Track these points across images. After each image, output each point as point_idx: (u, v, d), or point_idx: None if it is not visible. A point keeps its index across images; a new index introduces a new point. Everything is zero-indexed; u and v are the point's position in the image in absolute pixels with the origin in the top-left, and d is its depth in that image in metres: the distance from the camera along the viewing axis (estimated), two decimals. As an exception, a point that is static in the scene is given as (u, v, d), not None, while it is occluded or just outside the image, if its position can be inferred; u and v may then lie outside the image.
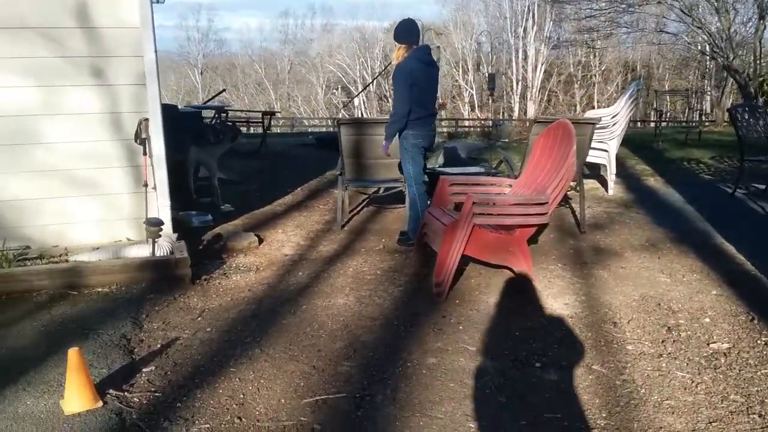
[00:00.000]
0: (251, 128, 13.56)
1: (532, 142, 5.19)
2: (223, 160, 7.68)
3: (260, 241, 5.35)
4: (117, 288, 4.25)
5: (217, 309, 3.99)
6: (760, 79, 17.35)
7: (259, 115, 12.54)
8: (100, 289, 4.21)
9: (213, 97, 17.73)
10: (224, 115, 11.13)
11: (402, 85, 4.96)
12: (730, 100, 26.85)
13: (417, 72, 4.95)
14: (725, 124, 16.86)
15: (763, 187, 7.19)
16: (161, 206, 4.81)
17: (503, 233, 4.30)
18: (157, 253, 4.47)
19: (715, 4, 17.65)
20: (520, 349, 3.46)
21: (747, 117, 7.17)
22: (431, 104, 5.21)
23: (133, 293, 4.19)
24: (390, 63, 6.84)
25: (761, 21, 17.02)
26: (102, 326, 3.66)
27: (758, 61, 17.20)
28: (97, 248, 4.56)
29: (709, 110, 28.54)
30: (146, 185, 4.73)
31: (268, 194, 7.15)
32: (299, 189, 7.54)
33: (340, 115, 37.86)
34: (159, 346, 3.45)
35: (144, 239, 4.58)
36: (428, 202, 5.06)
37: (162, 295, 4.16)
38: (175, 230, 4.92)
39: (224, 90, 26.69)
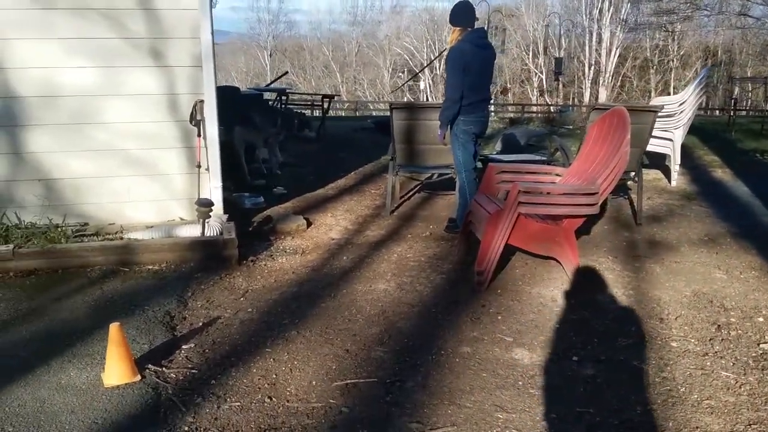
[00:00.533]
0: (314, 111, 13.72)
1: (587, 129, 5.03)
2: (281, 143, 7.82)
3: (309, 224, 5.42)
4: (166, 266, 4.40)
5: (260, 290, 4.08)
6: None
7: (319, 97, 12.65)
8: (150, 267, 4.37)
9: (276, 80, 18.00)
10: (285, 98, 11.28)
11: (454, 69, 4.89)
12: (819, 88, 25.25)
13: (469, 56, 4.86)
14: (810, 113, 15.85)
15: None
16: (213, 187, 4.93)
17: (550, 223, 4.20)
18: (207, 234, 4.60)
19: (804, -16, 16.57)
20: (558, 342, 3.39)
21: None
22: (485, 89, 5.11)
23: (181, 271, 4.33)
24: (446, 48, 6.66)
25: None
26: (148, 303, 3.80)
27: None
28: (151, 227, 4.72)
29: (794, 98, 26.97)
30: (199, 166, 4.86)
31: (322, 178, 7.23)
32: (353, 173, 7.58)
33: (405, 99, 37.76)
34: (200, 324, 3.56)
35: (195, 219, 4.71)
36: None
37: (208, 274, 4.28)
38: (226, 211, 5.04)
39: (287, 72, 27.03)
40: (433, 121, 5.69)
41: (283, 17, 53.92)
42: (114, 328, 2.86)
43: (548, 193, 4.17)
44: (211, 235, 4.61)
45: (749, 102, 32.27)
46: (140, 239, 4.53)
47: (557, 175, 4.66)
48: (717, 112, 27.36)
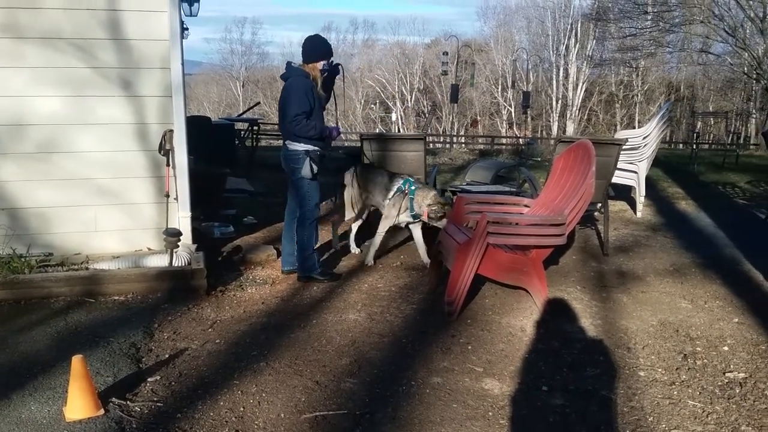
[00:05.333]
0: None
1: (553, 161, 5.12)
2: (250, 172, 7.80)
3: (279, 254, 5.38)
4: (133, 297, 4.32)
5: (228, 321, 4.03)
6: (807, 102, 16.86)
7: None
8: (116, 298, 4.29)
9: (247, 110, 18.03)
10: (256, 128, 11.29)
11: None
12: (778, 123, 26.15)
13: None
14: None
15: (799, 213, 6.96)
16: (182, 217, 4.88)
17: (518, 253, 4.24)
18: (175, 264, 4.54)
19: (760, 25, 17.27)
20: (528, 372, 3.40)
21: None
22: (280, 123, 4.72)
23: (147, 302, 4.26)
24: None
25: (808, 43, 16.58)
26: (113, 334, 3.72)
27: (804, 84, 16.74)
28: (117, 257, 4.65)
29: (753, 133, 27.88)
30: (168, 196, 4.82)
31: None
32: (324, 203, 7.56)
33: (377, 130, 38.09)
34: (167, 356, 3.49)
35: (163, 249, 4.66)
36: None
37: (176, 305, 4.22)
38: (195, 241, 4.99)
39: (259, 103, 27.06)
40: (403, 152, 5.76)
41: (255, 49, 54.33)
42: (76, 360, 2.80)
43: (516, 224, 4.22)
44: (179, 265, 4.55)
45: (711, 136, 33.23)
46: (106, 269, 4.46)
47: (525, 206, 4.73)
48: (680, 145, 28.10)
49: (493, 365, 3.47)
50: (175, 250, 4.56)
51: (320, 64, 4.56)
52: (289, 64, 4.71)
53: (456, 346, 3.71)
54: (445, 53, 26.03)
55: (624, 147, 6.15)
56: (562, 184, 4.45)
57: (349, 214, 5.49)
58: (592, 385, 3.25)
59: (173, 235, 4.53)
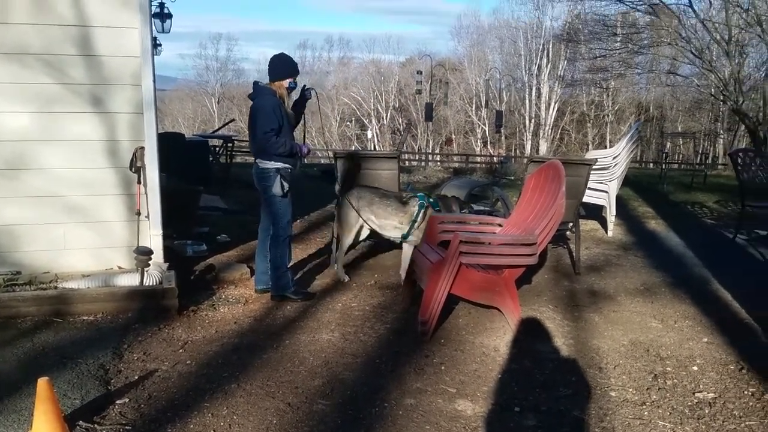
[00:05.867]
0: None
1: (525, 181, 5.18)
2: (224, 189, 7.75)
3: (252, 272, 5.34)
4: (102, 317, 4.25)
5: (200, 341, 3.97)
6: (771, 123, 17.28)
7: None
8: (85, 318, 4.22)
9: (221, 127, 17.94)
10: (231, 145, 11.24)
11: None
12: (743, 144, 26.83)
13: None
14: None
15: (764, 233, 7.12)
16: (153, 235, 4.83)
17: (491, 273, 4.27)
18: (146, 283, 4.48)
19: (726, 47, 17.72)
20: (501, 392, 3.41)
21: (748, 162, 7.14)
22: (251, 142, 4.79)
23: (118, 322, 4.19)
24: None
25: (772, 65, 17.05)
26: (82, 355, 3.65)
27: (768, 105, 17.16)
28: (87, 275, 4.57)
29: (721, 153, 28.52)
30: (139, 214, 4.76)
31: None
32: (298, 221, 7.55)
33: (353, 147, 38.16)
34: (136, 377, 3.43)
35: (134, 268, 4.59)
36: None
37: (146, 325, 4.16)
38: (167, 259, 4.93)
39: (233, 120, 26.99)
40: (377, 170, 5.78)
41: (231, 65, 54.27)
42: (42, 383, 2.72)
43: (488, 243, 4.25)
44: (150, 284, 4.49)
45: (680, 156, 33.92)
46: (75, 288, 4.38)
47: (498, 225, 4.77)
48: (650, 164, 28.62)
49: (466, 386, 3.48)
50: (146, 269, 4.50)
51: (286, 82, 4.62)
52: (256, 83, 4.74)
53: (429, 366, 3.70)
54: (419, 72, 26.33)
55: (594, 167, 6.25)
56: (533, 203, 4.50)
57: (350, 239, 5.36)
58: (564, 406, 3.26)
59: (144, 253, 4.47)
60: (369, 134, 41.69)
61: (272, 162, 4.54)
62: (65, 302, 4.22)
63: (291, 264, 4.88)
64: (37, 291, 4.36)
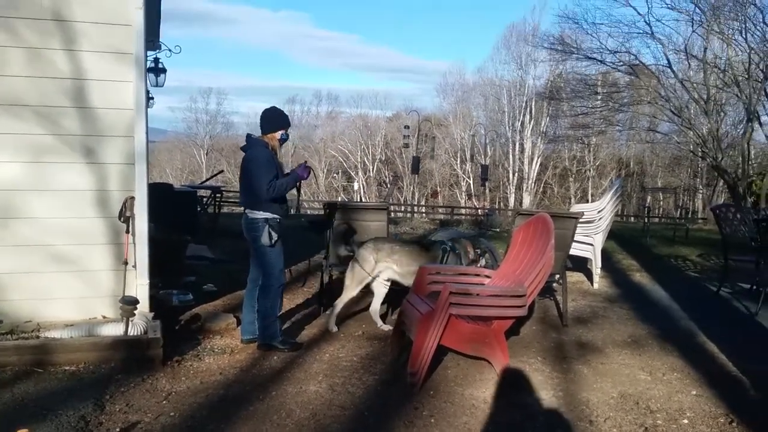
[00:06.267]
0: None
1: (512, 233, 5.23)
2: (211, 239, 7.73)
3: (239, 322, 5.28)
4: (84, 367, 4.16)
5: (184, 392, 3.90)
6: (749, 179, 17.70)
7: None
8: (67, 368, 4.12)
9: (211, 177, 18.03)
10: (219, 195, 11.27)
11: None
12: (722, 199, 27.35)
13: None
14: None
15: (747, 286, 7.19)
16: (140, 284, 4.79)
17: (480, 324, 4.26)
18: (131, 333, 4.41)
19: (704, 106, 18.26)
20: (491, 446, 3.37)
21: (731, 217, 7.27)
22: (242, 193, 4.82)
23: (100, 373, 4.10)
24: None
25: (749, 123, 17.57)
26: (62, 407, 3.55)
27: (746, 163, 17.62)
28: (70, 325, 4.49)
29: (701, 208, 29.02)
30: (126, 263, 4.73)
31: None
32: (286, 271, 7.48)
33: (339, 199, 38.37)
34: (118, 430, 3.34)
35: (120, 317, 4.53)
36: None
37: (130, 375, 4.07)
38: (153, 309, 4.87)
39: (222, 171, 27.10)
40: (367, 221, 5.81)
41: (220, 118, 54.88)
42: (22, 435, 2.66)
43: (478, 295, 4.26)
44: (135, 333, 4.42)
45: (661, 210, 34.43)
46: (58, 338, 4.29)
47: (486, 276, 4.79)
48: (631, 218, 28.98)
49: (456, 439, 3.43)
50: (131, 319, 4.44)
51: (278, 134, 4.72)
52: (249, 136, 4.83)
53: (419, 419, 3.65)
54: (407, 127, 26.80)
55: (581, 220, 6.33)
56: (522, 256, 4.53)
57: (357, 291, 5.33)
58: (555, 459, 3.22)
59: (129, 303, 4.42)
60: (356, 186, 41.96)
61: (261, 212, 4.58)
62: (47, 352, 4.13)
63: (280, 313, 4.84)
64: (19, 340, 4.27)
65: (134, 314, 4.44)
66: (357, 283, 5.25)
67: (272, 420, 3.56)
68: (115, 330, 4.43)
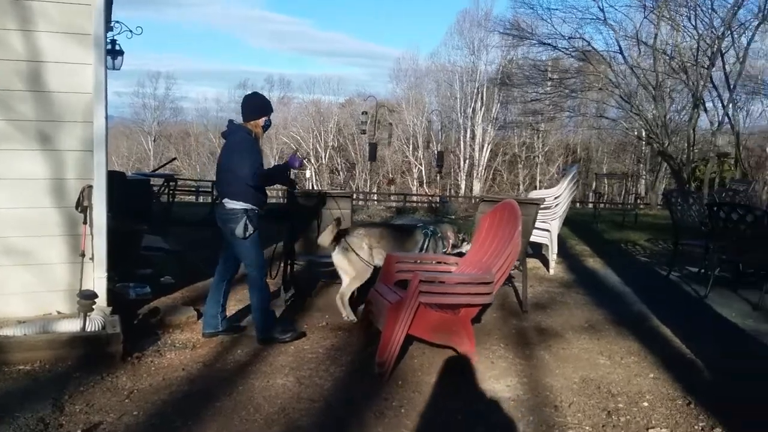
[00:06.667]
0: (200, 198, 13.49)
1: (478, 220, 5.27)
2: (166, 229, 7.54)
3: (199, 315, 5.18)
4: (40, 366, 4.00)
5: (147, 390, 3.80)
6: (693, 165, 18.31)
7: (209, 184, 12.50)
8: (21, 367, 3.95)
9: (163, 165, 17.59)
10: (173, 184, 11.01)
11: None
12: (664, 185, 28.27)
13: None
14: (659, 207, 17.63)
15: (695, 270, 7.45)
16: (97, 277, 4.64)
17: (448, 312, 4.28)
18: (88, 328, 4.26)
19: (653, 92, 18.76)
20: (462, 435, 3.40)
21: (681, 202, 7.49)
22: (220, 182, 4.69)
23: (57, 372, 3.95)
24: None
25: (695, 110, 18.15)
26: (19, 409, 3.41)
27: (691, 148, 18.22)
28: (23, 321, 4.31)
29: (643, 193, 29.93)
30: (83, 255, 4.56)
31: (212, 266, 6.93)
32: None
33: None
34: (79, 431, 3.23)
35: (76, 313, 4.37)
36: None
37: (89, 373, 3.94)
38: (110, 303, 4.73)
39: (175, 158, 26.50)
40: (331, 209, 5.77)
41: (169, 104, 53.51)
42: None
43: (447, 283, 4.27)
44: (93, 329, 4.27)
45: (607, 196, 35.35)
46: (11, 336, 4.11)
47: (454, 264, 4.81)
48: (578, 204, 29.66)
49: (426, 429, 3.44)
50: (88, 314, 4.29)
51: (262, 121, 4.61)
52: (231, 122, 4.70)
53: (389, 410, 3.65)
54: (365, 113, 26.69)
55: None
56: (488, 242, 4.57)
57: (365, 278, 5.25)
58: (525, 446, 3.27)
59: (88, 297, 4.27)
60: (308, 173, 41.60)
61: (241, 203, 4.47)
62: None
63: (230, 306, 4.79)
64: (-32, 339, 4.08)
65: (92, 309, 4.30)
66: (364, 270, 5.19)
67: (240, 416, 3.50)
68: (71, 326, 4.28)
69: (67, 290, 4.57)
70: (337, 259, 5.22)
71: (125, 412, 3.48)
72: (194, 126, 51.52)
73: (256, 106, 4.63)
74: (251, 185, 4.44)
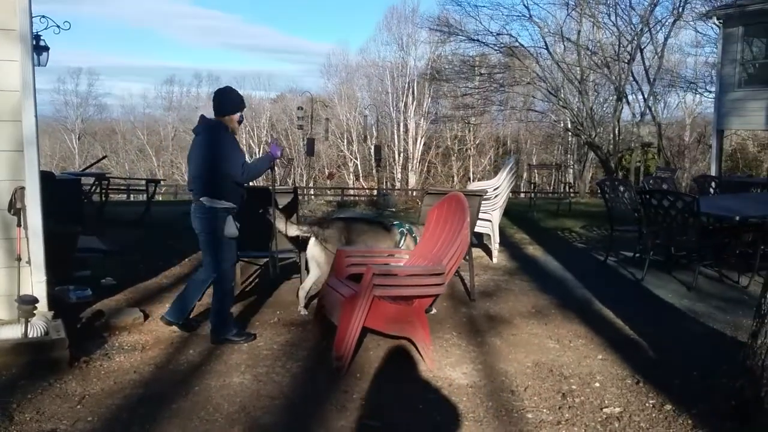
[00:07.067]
0: (131, 196, 13.06)
1: (424, 213, 5.33)
2: (100, 229, 7.28)
3: (146, 316, 5.04)
4: (-19, 375, 3.81)
5: (99, 394, 3.66)
6: (619, 155, 19.09)
7: (142, 182, 12.11)
8: (-39, 378, 3.76)
9: (93, 164, 16.90)
10: (106, 183, 10.61)
11: None
12: (591, 173, 29.30)
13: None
14: (588, 195, 18.30)
15: (630, 254, 7.78)
16: (36, 282, 4.42)
17: (402, 304, 4.31)
18: (30, 334, 4.07)
19: (578, 86, 19.41)
20: (424, 424, 3.44)
21: (613, 190, 7.80)
22: (196, 180, 4.47)
23: (1, 380, 3.76)
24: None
25: (618, 102, 18.90)
26: (-36, 421, 3.24)
27: (617, 138, 18.98)
28: (-42, 330, 4.08)
29: (572, 182, 30.94)
30: (19, 259, 4.35)
31: (154, 266, 6.79)
32: (187, 260, 7.23)
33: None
34: (33, 440, 3.10)
35: (16, 319, 4.17)
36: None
37: (36, 380, 3.77)
38: (51, 308, 4.52)
39: (105, 156, 25.54)
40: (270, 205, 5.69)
41: (92, 100, 51.36)
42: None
43: (401, 275, 4.31)
44: (36, 335, 4.09)
45: (539, 185, 36.31)
46: (-54, 346, 3.89)
47: (405, 257, 4.85)
48: (512, 195, 30.41)
49: (382, 419, 3.46)
50: (29, 320, 4.09)
51: (237, 116, 4.51)
52: (203, 117, 4.57)
53: (350, 402, 3.66)
54: (301, 108, 26.46)
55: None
56: (437, 234, 4.62)
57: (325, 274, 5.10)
58: None
59: (28, 302, 4.07)
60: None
61: (223, 201, 4.37)
62: (-65, 362, 3.74)
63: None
64: None
65: (34, 314, 4.11)
66: (327, 264, 5.08)
67: (200, 416, 3.43)
68: (12, 332, 4.07)
69: (5, 296, 4.35)
70: (315, 251, 5.15)
71: (79, 419, 3.35)
72: (120, 123, 49.69)
73: (232, 101, 4.51)
74: (239, 182, 4.36)
